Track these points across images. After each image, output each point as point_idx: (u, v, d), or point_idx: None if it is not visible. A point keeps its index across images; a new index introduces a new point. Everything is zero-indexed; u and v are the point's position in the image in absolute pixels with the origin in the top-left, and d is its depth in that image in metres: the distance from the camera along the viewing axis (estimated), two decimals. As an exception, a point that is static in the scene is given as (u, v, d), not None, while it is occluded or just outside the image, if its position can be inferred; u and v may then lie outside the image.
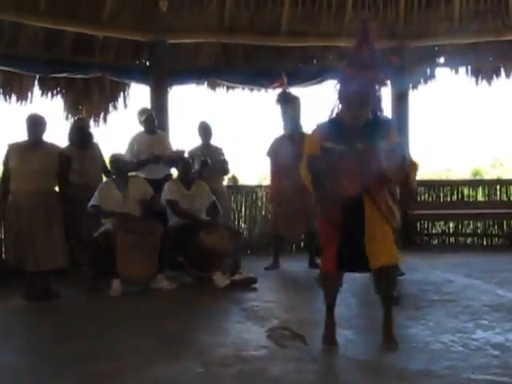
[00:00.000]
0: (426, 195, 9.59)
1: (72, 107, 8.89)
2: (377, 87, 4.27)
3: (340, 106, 4.25)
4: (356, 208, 4.05)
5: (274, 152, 7.29)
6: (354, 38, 4.34)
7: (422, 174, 13.30)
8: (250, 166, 15.26)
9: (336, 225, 4.09)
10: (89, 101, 8.95)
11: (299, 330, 4.42)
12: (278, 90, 7.57)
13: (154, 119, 7.47)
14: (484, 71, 9.48)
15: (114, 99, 9.17)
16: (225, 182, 8.22)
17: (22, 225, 5.66)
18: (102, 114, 9.08)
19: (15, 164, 5.70)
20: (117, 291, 5.94)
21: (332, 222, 4.11)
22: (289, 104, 7.30)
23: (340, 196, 4.03)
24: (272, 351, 4.03)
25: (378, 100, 4.28)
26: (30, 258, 5.64)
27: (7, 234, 5.80)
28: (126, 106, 9.23)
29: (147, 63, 9.10)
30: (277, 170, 7.31)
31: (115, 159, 6.50)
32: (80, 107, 8.98)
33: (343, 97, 4.20)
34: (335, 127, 4.19)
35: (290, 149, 6.82)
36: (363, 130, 4.11)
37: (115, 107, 9.20)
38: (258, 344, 4.18)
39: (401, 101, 9.35)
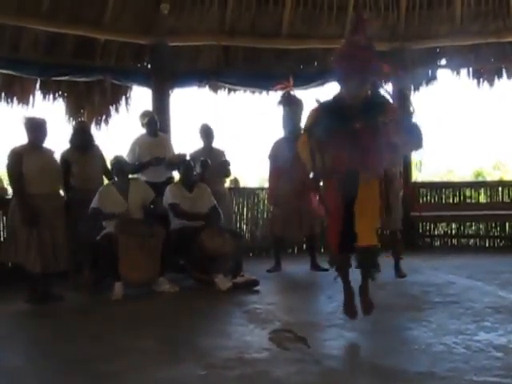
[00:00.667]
0: (428, 197, 9.58)
1: (73, 110, 8.90)
2: (373, 67, 4.39)
3: (339, 85, 4.47)
4: (352, 186, 4.27)
5: (274, 154, 7.28)
6: (350, 25, 4.44)
7: (424, 176, 13.34)
8: (251, 168, 15.25)
9: (336, 206, 4.30)
10: (90, 104, 8.96)
11: (301, 333, 4.41)
12: (282, 92, 7.50)
13: (157, 122, 7.48)
14: (485, 73, 9.47)
15: (116, 102, 9.17)
16: (226, 185, 8.21)
17: (40, 228, 5.71)
18: (103, 117, 9.08)
19: (33, 167, 5.71)
20: (118, 294, 5.94)
21: (333, 203, 4.32)
22: (292, 106, 7.25)
23: (337, 173, 4.26)
24: (274, 353, 4.03)
25: (375, 79, 4.45)
26: (39, 261, 5.67)
27: (17, 237, 5.79)
28: (127, 108, 9.23)
29: (148, 66, 9.09)
30: (275, 172, 7.32)
31: (117, 161, 6.50)
32: (81, 110, 8.99)
33: (341, 76, 4.41)
34: (335, 105, 4.38)
35: (288, 151, 6.69)
36: (362, 109, 4.28)
37: (117, 110, 9.20)
38: (260, 346, 4.18)
39: (401, 102, 9.31)
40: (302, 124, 6.66)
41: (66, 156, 6.65)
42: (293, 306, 5.40)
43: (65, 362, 3.97)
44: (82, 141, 6.83)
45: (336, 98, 4.47)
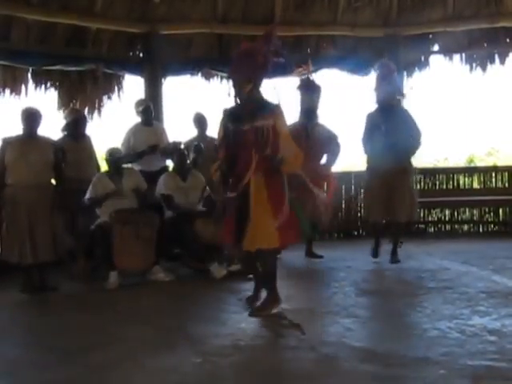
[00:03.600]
0: (422, 183, 9.59)
1: (66, 100, 8.85)
2: (265, 70, 4.70)
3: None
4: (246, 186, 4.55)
5: None
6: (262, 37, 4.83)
7: (418, 162, 13.35)
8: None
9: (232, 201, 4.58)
10: (83, 93, 8.91)
11: (296, 319, 4.42)
12: (301, 76, 7.08)
13: (152, 111, 7.46)
14: (478, 58, 9.46)
15: (108, 91, 9.13)
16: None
17: (19, 218, 5.67)
18: (96, 106, 9.04)
19: (12, 158, 5.69)
20: (114, 283, 5.94)
21: (228, 200, 4.62)
22: (310, 92, 6.95)
23: (236, 174, 4.56)
24: (269, 340, 4.05)
25: (260, 82, 4.71)
26: (28, 252, 5.65)
27: (4, 228, 5.78)
28: (120, 97, 9.19)
29: (141, 55, 9.05)
30: None
31: (111, 152, 6.47)
32: (74, 100, 8.94)
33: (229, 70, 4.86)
34: (233, 109, 4.72)
35: (301, 138, 6.42)
36: (250, 111, 4.62)
37: (109, 99, 9.16)
38: (255, 334, 4.19)
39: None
40: (318, 111, 6.97)
41: (59, 144, 6.64)
42: (288, 293, 5.39)
43: (61, 351, 3.97)
44: (76, 130, 6.82)
45: (235, 103, 4.77)
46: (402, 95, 7.02)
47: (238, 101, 4.73)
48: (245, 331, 4.29)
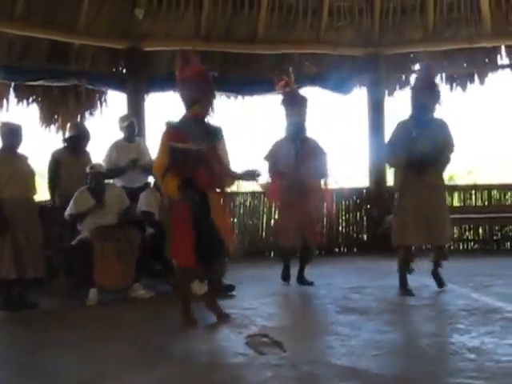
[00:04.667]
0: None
1: (48, 115, 8.84)
2: (212, 89, 4.96)
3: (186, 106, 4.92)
4: (203, 203, 4.72)
5: (274, 156, 6.63)
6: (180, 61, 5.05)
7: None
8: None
9: (187, 220, 4.67)
10: (65, 109, 8.90)
11: (277, 337, 4.42)
12: (284, 90, 6.81)
13: (135, 127, 7.45)
14: (458, 78, 9.60)
15: (91, 107, 9.12)
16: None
17: (6, 234, 5.64)
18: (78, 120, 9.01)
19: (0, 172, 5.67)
20: (94, 300, 5.91)
21: (184, 217, 4.68)
22: (295, 106, 6.63)
23: (190, 192, 4.65)
24: (250, 358, 4.03)
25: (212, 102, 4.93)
26: (13, 267, 5.61)
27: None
28: (102, 113, 9.19)
29: (123, 70, 9.07)
30: (277, 174, 6.61)
31: (92, 168, 6.45)
32: (56, 115, 8.93)
33: (189, 96, 4.87)
34: (182, 127, 4.81)
35: (291, 154, 6.45)
36: (206, 131, 4.82)
37: (92, 115, 9.15)
38: (235, 351, 4.17)
39: (376, 107, 9.43)
40: (306, 124, 6.72)
41: (57, 156, 6.73)
42: (269, 310, 5.40)
43: (39, 369, 3.93)
44: (76, 145, 6.88)
45: (184, 120, 4.90)
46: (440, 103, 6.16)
47: (187, 121, 4.86)
48: (226, 348, 4.28)
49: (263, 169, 6.45)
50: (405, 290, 6.01)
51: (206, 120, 4.92)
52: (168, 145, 4.76)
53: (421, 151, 5.79)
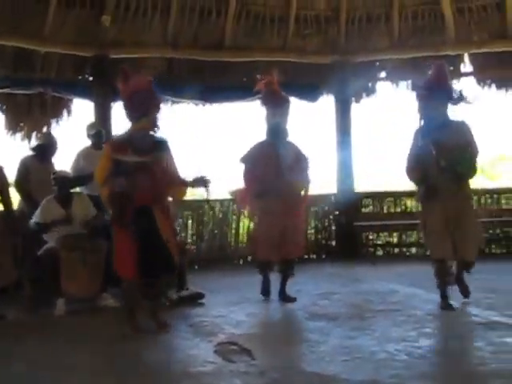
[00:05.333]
0: (371, 207, 9.74)
1: (13, 123, 8.74)
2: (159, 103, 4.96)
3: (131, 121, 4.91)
4: (147, 216, 4.74)
5: (252, 159, 6.20)
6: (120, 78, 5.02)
7: (366, 186, 13.55)
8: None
9: (127, 232, 4.69)
10: (30, 117, 8.81)
11: (246, 345, 4.41)
12: (265, 88, 6.37)
13: (103, 135, 7.40)
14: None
15: (57, 115, 9.04)
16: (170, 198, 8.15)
17: None
18: (44, 130, 8.91)
19: None
20: (61, 310, 5.84)
21: (126, 231, 4.69)
22: (277, 107, 6.19)
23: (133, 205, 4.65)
24: (219, 366, 4.02)
25: (158, 116, 4.91)
26: None
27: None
28: (69, 121, 9.11)
29: (90, 78, 9.00)
30: (253, 179, 6.17)
31: (59, 176, 6.39)
32: (22, 123, 8.83)
33: (135, 111, 4.85)
34: (127, 140, 4.84)
35: (272, 158, 6.07)
36: (151, 144, 4.83)
37: (58, 123, 9.07)
38: (205, 359, 4.16)
39: (343, 114, 9.51)
40: (288, 127, 6.29)
41: (26, 162, 6.77)
42: (238, 318, 5.39)
43: (6, 381, 3.87)
44: (42, 154, 6.86)
45: (127, 133, 4.95)
46: (460, 102, 5.64)
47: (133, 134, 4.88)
48: (195, 357, 4.26)
49: (232, 173, 6.60)
50: (446, 303, 5.53)
51: (151, 133, 4.93)
52: (110, 156, 4.80)
53: (445, 160, 5.36)
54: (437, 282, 5.61)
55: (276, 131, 6.18)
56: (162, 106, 5.03)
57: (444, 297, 5.56)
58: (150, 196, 4.78)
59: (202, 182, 5.01)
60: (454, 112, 5.61)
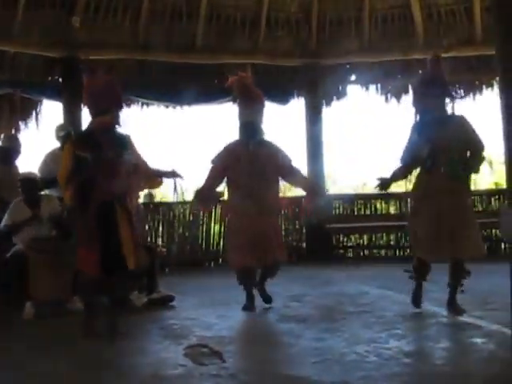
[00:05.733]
0: (341, 209, 9.80)
1: (-19, 125, 8.62)
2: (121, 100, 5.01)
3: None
4: (109, 213, 4.72)
5: (222, 160, 5.82)
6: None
7: (337, 189, 13.63)
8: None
9: (92, 230, 4.67)
10: (-2, 118, 8.70)
11: (217, 348, 4.40)
12: (237, 84, 5.99)
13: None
14: (393, 89, 9.82)
15: (26, 117, 8.93)
16: (140, 200, 8.11)
17: None
18: (12, 132, 8.81)
19: None
20: (30, 314, 5.75)
21: (88, 228, 4.69)
22: (250, 103, 5.80)
23: (95, 201, 4.67)
24: (189, 369, 4.00)
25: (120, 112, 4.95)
26: None
27: None
28: (37, 123, 9.00)
29: (60, 79, 8.91)
30: (215, 171, 5.82)
31: (25, 178, 6.33)
32: (-11, 124, 8.71)
33: (98, 108, 4.87)
34: (89, 136, 4.89)
35: (245, 160, 5.67)
36: (114, 140, 4.83)
37: (26, 125, 8.96)
38: (175, 362, 4.14)
39: (314, 117, 9.55)
40: (263, 125, 5.89)
41: None
42: (209, 321, 5.38)
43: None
44: (5, 157, 6.81)
45: (88, 130, 5.00)
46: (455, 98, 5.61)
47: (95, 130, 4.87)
48: (165, 360, 4.23)
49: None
50: (416, 303, 5.50)
51: (114, 129, 4.93)
52: (72, 153, 4.77)
53: (442, 155, 5.13)
54: (413, 279, 5.59)
55: (249, 129, 5.77)
56: (123, 102, 5.06)
57: (415, 298, 5.55)
58: (113, 192, 4.75)
59: (173, 174, 5.09)
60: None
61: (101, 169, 4.69)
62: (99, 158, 4.70)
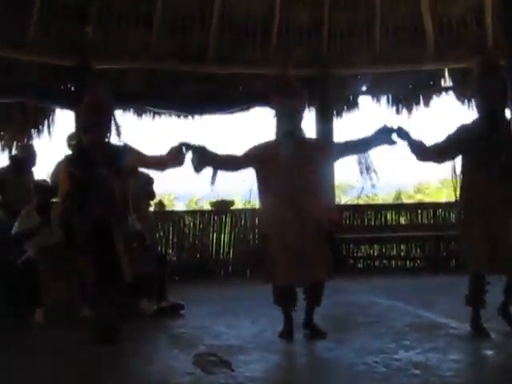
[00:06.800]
0: (352, 219, 9.78)
1: (-8, 133, 8.67)
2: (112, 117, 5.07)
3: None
4: (105, 228, 4.77)
5: (259, 159, 5.01)
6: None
7: (348, 199, 13.61)
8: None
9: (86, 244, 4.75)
10: (10, 126, 8.74)
11: (226, 357, 4.41)
12: (278, 79, 5.41)
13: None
14: (404, 99, 9.81)
15: (38, 125, 8.98)
16: (151, 208, 8.14)
17: None
18: (24, 141, 8.85)
19: None
20: (40, 320, 5.79)
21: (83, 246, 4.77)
22: (291, 98, 4.99)
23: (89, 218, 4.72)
24: (198, 378, 4.01)
25: (110, 127, 5.00)
26: None
27: None
28: (50, 132, 9.04)
29: (72, 88, 8.97)
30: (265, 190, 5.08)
31: (37, 185, 6.38)
32: (2, 132, 8.76)
33: (85, 125, 4.96)
34: (80, 155, 4.94)
35: (286, 159, 4.89)
36: (107, 155, 4.82)
37: (39, 133, 9.01)
38: (184, 371, 4.15)
39: (325, 128, 9.54)
40: (303, 124, 5.24)
41: (2, 173, 6.70)
42: (218, 330, 5.38)
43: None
44: (20, 166, 6.85)
45: (79, 149, 5.12)
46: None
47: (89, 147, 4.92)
48: (174, 368, 4.25)
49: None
50: (476, 326, 4.96)
51: (107, 144, 4.98)
52: (68, 173, 4.85)
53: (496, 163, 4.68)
54: (467, 298, 5.02)
55: (292, 127, 5.00)
56: (113, 118, 5.11)
57: (474, 319, 4.99)
58: (107, 208, 4.80)
59: (178, 151, 4.96)
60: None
61: (94, 187, 4.74)
62: (92, 177, 4.75)
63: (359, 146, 5.13)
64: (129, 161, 4.98)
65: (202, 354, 4.57)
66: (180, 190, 15.40)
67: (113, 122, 5.05)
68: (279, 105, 5.08)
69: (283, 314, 5.09)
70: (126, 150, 5.02)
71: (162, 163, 5.09)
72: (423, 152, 5.07)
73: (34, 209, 6.30)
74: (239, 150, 5.12)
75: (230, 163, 5.13)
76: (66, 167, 4.90)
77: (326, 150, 5.26)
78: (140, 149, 5.11)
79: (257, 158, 5.01)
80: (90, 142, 4.91)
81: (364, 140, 5.07)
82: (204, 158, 4.93)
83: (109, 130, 4.98)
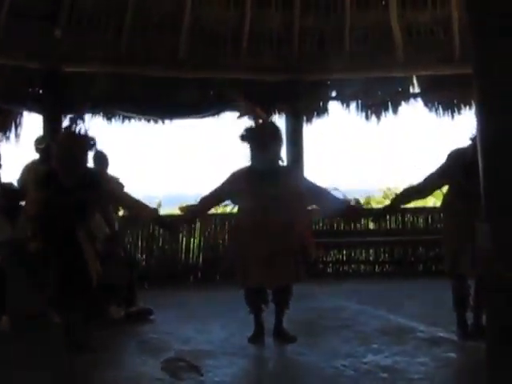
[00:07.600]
0: (321, 224, 9.82)
1: (-41, 136, 8.54)
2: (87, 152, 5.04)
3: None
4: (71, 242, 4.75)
5: (234, 195, 5.19)
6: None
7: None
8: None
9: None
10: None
11: (195, 362, 4.40)
12: (253, 122, 5.23)
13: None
14: (373, 106, 9.89)
15: (5, 128, 8.87)
16: (120, 213, 8.07)
17: None
18: (-9, 143, 8.74)
19: None
20: (6, 328, 5.69)
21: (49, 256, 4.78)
22: (269, 141, 4.98)
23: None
24: (167, 383, 3.99)
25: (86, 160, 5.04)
26: None
27: None
28: (17, 135, 8.94)
29: (40, 91, 8.87)
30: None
31: (4, 188, 6.29)
32: (-33, 136, 8.64)
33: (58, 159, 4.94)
34: (49, 178, 4.90)
35: (260, 189, 4.92)
36: (77, 187, 4.77)
37: (6, 137, 8.89)
38: (153, 377, 4.13)
39: (295, 134, 9.57)
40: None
41: None
42: (187, 335, 5.37)
43: None
44: None
45: (51, 172, 5.01)
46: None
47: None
48: (143, 374, 4.23)
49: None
50: (462, 329, 5.02)
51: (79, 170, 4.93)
52: (36, 194, 4.88)
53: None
54: (453, 303, 5.11)
55: (267, 158, 5.01)
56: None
57: (460, 322, 5.06)
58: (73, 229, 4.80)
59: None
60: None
61: (59, 212, 4.70)
62: (58, 201, 4.72)
63: (326, 202, 5.21)
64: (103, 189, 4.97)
65: (171, 359, 4.55)
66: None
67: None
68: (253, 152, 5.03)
69: (254, 318, 5.14)
70: (102, 177, 5.19)
71: (133, 212, 5.40)
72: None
73: (1, 212, 6.21)
74: (214, 186, 5.26)
75: (210, 207, 5.75)
76: (34, 190, 4.95)
77: (298, 178, 5.35)
78: (119, 185, 5.16)
79: (231, 192, 5.19)
80: (62, 171, 4.87)
81: (333, 201, 5.15)
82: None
83: (83, 166, 4.98)
